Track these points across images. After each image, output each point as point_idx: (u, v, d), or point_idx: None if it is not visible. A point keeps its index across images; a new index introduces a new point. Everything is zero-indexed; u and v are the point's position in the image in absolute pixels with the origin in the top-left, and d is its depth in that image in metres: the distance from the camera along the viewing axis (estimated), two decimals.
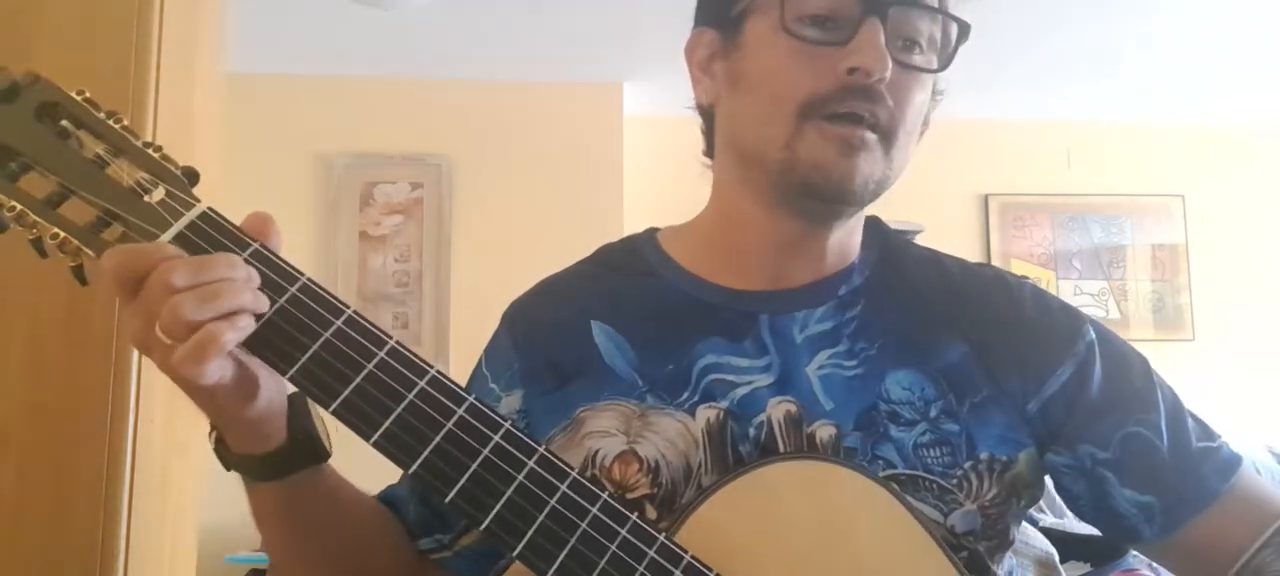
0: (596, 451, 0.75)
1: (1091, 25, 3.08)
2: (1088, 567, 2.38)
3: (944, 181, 3.75)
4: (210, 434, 0.69)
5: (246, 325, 0.58)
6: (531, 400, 0.80)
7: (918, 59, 0.74)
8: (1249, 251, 3.96)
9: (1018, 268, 3.87)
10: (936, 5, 0.74)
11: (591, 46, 3.22)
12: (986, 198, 3.92)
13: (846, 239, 0.81)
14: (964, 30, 0.75)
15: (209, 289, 0.56)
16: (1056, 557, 1.89)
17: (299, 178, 3.41)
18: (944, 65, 0.76)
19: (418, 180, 3.45)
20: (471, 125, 3.48)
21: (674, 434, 0.75)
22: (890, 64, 0.70)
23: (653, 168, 3.57)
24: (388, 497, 0.84)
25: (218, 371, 0.57)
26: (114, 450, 1.08)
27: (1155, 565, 0.77)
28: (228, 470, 0.70)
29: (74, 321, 1.09)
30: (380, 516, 0.82)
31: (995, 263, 3.85)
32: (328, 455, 0.71)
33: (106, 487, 1.08)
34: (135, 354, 1.11)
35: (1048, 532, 2.11)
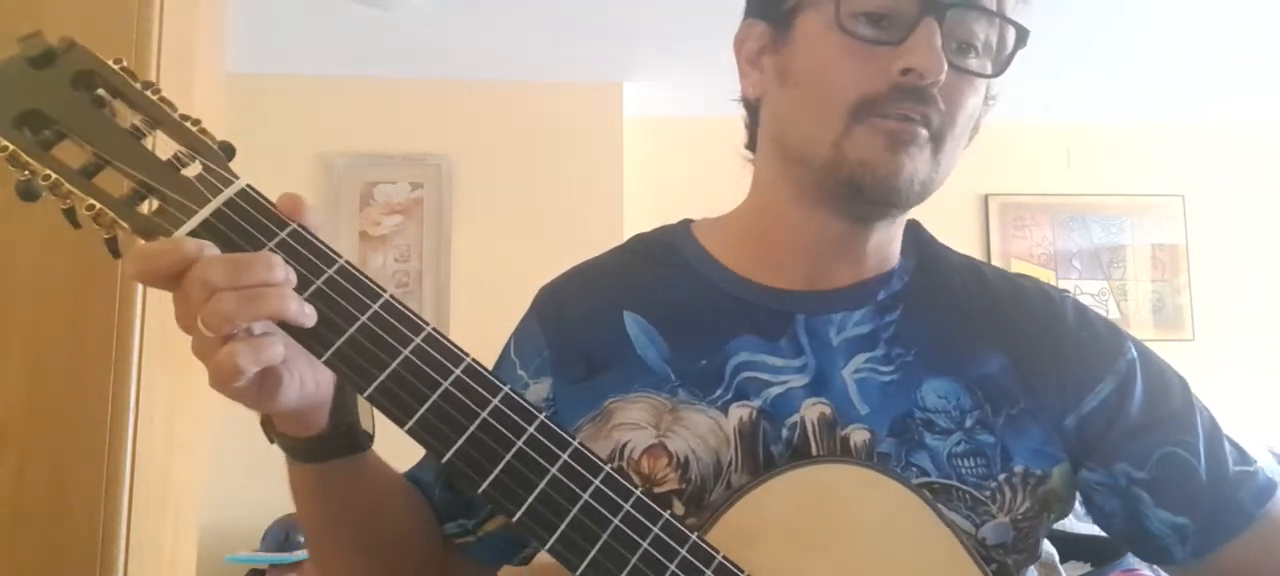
0: (625, 443, 0.74)
1: (1091, 25, 3.08)
2: (1088, 567, 2.37)
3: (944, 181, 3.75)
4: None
5: (276, 352, 0.56)
6: (560, 388, 0.79)
7: (973, 63, 0.72)
8: (1249, 251, 3.96)
9: (1017, 268, 3.86)
10: (994, 9, 0.72)
11: (591, 46, 3.22)
12: (986, 198, 3.92)
13: (887, 243, 0.80)
14: (1022, 35, 0.74)
15: (252, 292, 0.55)
16: (1057, 557, 1.89)
17: (299, 178, 3.41)
18: (999, 71, 0.75)
19: (418, 180, 3.45)
20: (471, 125, 3.48)
21: (705, 430, 0.74)
22: (945, 67, 0.68)
23: (653, 168, 3.57)
24: (414, 478, 0.84)
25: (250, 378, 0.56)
26: (114, 450, 1.08)
27: (1156, 566, 0.76)
28: (270, 443, 0.69)
29: (74, 322, 1.09)
30: (412, 500, 0.81)
31: (995, 262, 3.84)
32: (368, 445, 0.70)
33: (106, 487, 1.08)
34: (135, 354, 1.11)
35: (1048, 532, 2.11)
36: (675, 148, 3.62)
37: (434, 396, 0.59)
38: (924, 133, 0.70)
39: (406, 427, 0.58)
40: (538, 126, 3.49)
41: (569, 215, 3.35)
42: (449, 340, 0.61)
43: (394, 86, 3.45)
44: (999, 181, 3.90)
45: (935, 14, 0.68)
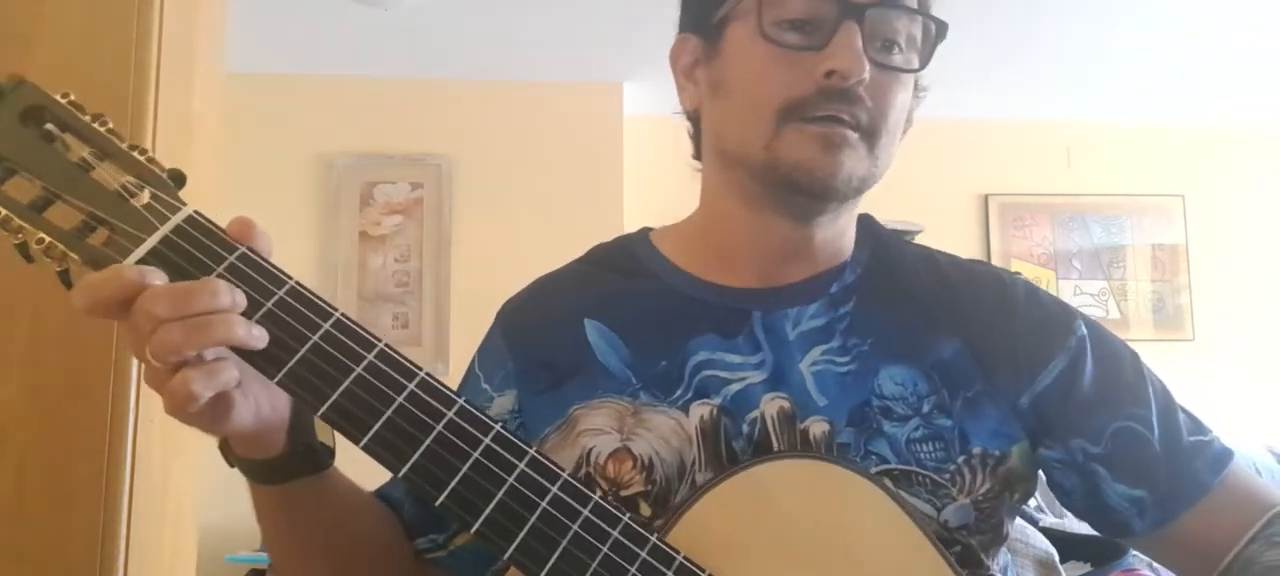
0: (591, 449, 0.75)
1: (1091, 25, 3.08)
2: (1088, 567, 2.37)
3: (944, 181, 3.76)
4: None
5: (230, 376, 0.58)
6: (526, 399, 0.80)
7: (897, 59, 0.74)
8: (1249, 251, 3.96)
9: (1017, 268, 3.86)
10: (915, 6, 0.74)
11: (591, 46, 3.22)
12: (986, 198, 3.92)
13: (836, 237, 0.81)
14: (941, 29, 0.75)
15: (198, 321, 0.56)
16: (1056, 557, 1.89)
17: (299, 178, 3.42)
18: (924, 64, 0.76)
19: (418, 180, 3.45)
20: (471, 125, 3.48)
21: (667, 431, 0.75)
22: (867, 66, 0.70)
23: (653, 168, 3.57)
24: (384, 495, 0.84)
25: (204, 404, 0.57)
26: (114, 450, 1.08)
27: (1155, 565, 0.77)
28: (231, 468, 0.70)
29: (74, 322, 1.09)
30: (380, 517, 0.82)
31: (995, 263, 3.84)
32: (329, 464, 0.71)
33: (106, 487, 1.08)
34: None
35: (1047, 532, 2.11)
36: (675, 148, 3.61)
37: (388, 412, 0.60)
38: (854, 133, 0.72)
39: (361, 444, 0.59)
40: (538, 126, 3.50)
41: (569, 215, 3.35)
42: (402, 356, 0.62)
43: (394, 86, 3.45)
44: (999, 181, 3.90)
45: (854, 17, 0.70)
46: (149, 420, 1.13)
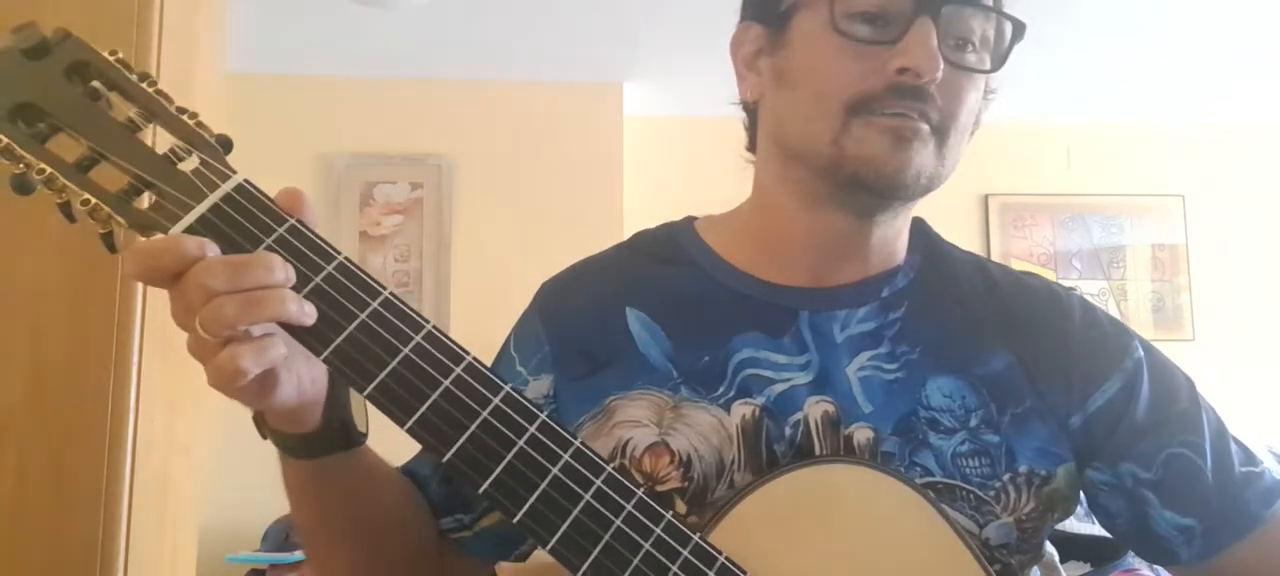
0: (627, 441, 0.74)
1: (1091, 25, 3.08)
2: (1088, 567, 2.37)
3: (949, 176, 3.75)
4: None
5: (278, 352, 0.56)
6: (561, 385, 0.78)
7: (970, 58, 0.72)
8: (1249, 251, 3.96)
9: (1017, 267, 3.86)
10: (990, 4, 0.72)
11: (591, 46, 3.22)
12: (986, 197, 3.91)
13: (892, 238, 0.79)
14: (1018, 29, 0.73)
15: (252, 296, 0.54)
16: (1057, 557, 1.89)
17: (299, 178, 3.40)
18: (997, 65, 0.74)
19: (418, 180, 3.45)
20: (471, 125, 3.48)
21: (708, 428, 0.73)
22: (941, 65, 0.68)
23: (653, 168, 3.57)
24: (410, 471, 0.83)
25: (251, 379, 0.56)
26: (114, 450, 1.08)
27: (1155, 566, 0.76)
28: (263, 439, 0.69)
29: (74, 321, 1.09)
30: (407, 496, 0.81)
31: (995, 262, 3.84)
32: (362, 442, 0.69)
33: (106, 487, 1.08)
34: (135, 354, 1.11)
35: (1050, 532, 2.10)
36: (675, 148, 3.62)
37: (434, 395, 0.58)
38: (925, 127, 0.70)
39: (406, 427, 0.58)
40: (538, 126, 3.49)
41: (569, 215, 3.34)
42: (450, 338, 0.61)
43: (394, 86, 3.45)
44: (999, 181, 3.90)
45: (930, 12, 0.68)
46: (149, 420, 1.13)
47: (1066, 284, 3.93)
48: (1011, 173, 3.91)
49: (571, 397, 0.78)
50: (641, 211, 3.36)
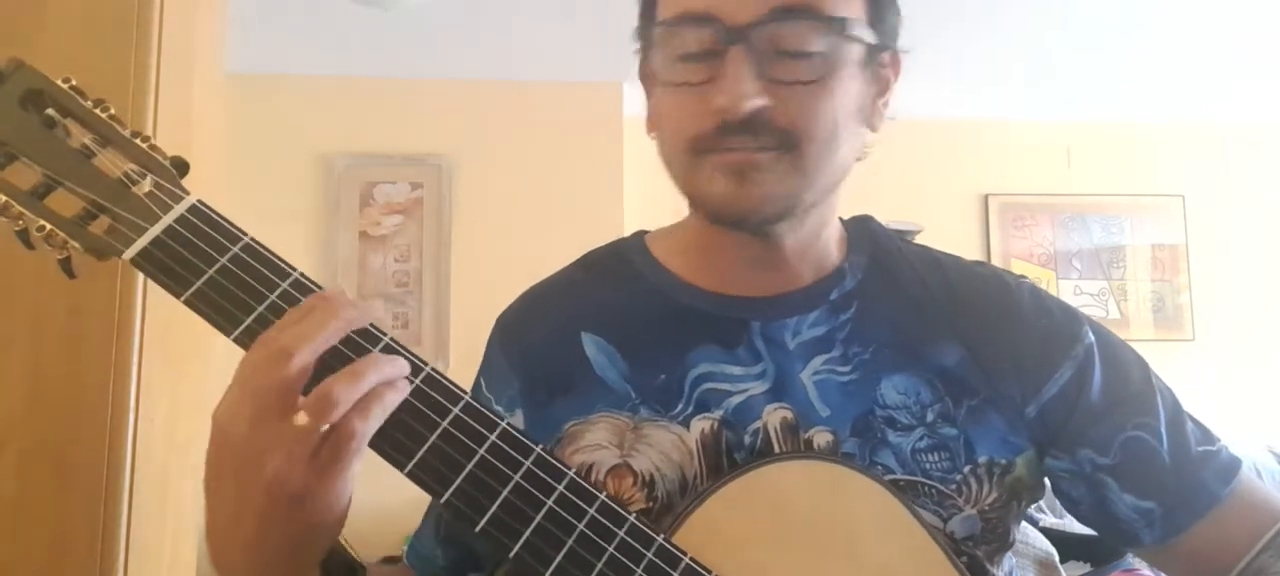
0: (589, 465, 0.74)
1: (1092, 25, 3.08)
2: (1088, 567, 2.38)
3: (944, 181, 3.76)
4: None
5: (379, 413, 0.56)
6: (529, 417, 0.78)
7: (802, 65, 0.68)
8: (1249, 251, 3.96)
9: (1017, 268, 3.87)
10: (810, 11, 0.68)
11: (591, 46, 3.22)
12: (986, 197, 3.92)
13: (811, 243, 0.78)
14: (837, 25, 0.69)
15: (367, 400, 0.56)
16: (1056, 557, 1.90)
17: (299, 178, 3.41)
18: (882, 42, 0.72)
19: (418, 180, 3.45)
20: (471, 125, 3.48)
21: (668, 446, 0.73)
22: (754, 95, 0.66)
23: (653, 168, 3.56)
24: (415, 557, 0.84)
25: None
26: (114, 450, 1.08)
27: (1124, 547, 0.76)
28: None
29: (74, 321, 1.09)
30: None
31: (995, 262, 3.83)
32: (365, 572, 0.68)
33: (106, 487, 1.08)
34: (135, 354, 1.11)
35: (1048, 532, 2.11)
36: None
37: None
38: (764, 156, 0.68)
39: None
40: (538, 126, 3.50)
41: (569, 215, 3.35)
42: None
43: (394, 86, 3.45)
44: (999, 181, 3.90)
45: (738, 41, 0.66)
46: (149, 420, 1.13)
47: (1066, 284, 3.91)
48: (1011, 173, 3.91)
49: (533, 427, 0.78)
50: (642, 211, 3.36)
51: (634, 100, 3.52)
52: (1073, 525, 2.19)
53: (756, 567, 0.64)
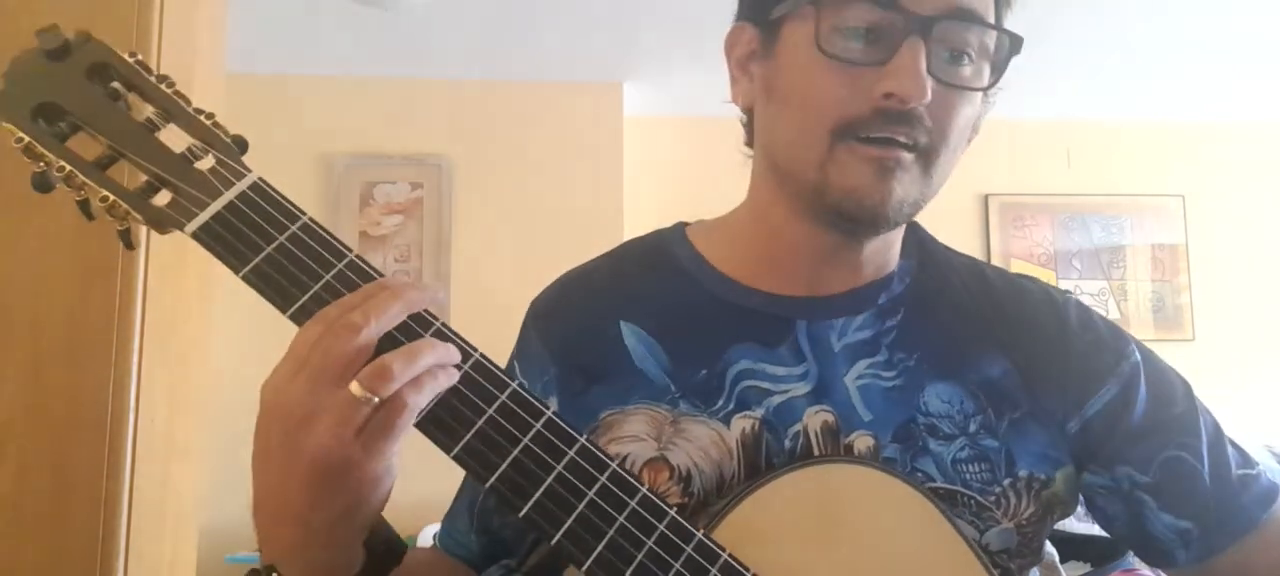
0: (625, 456, 0.72)
1: (1091, 25, 3.08)
2: (1088, 567, 2.38)
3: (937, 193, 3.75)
4: None
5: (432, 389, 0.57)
6: (564, 404, 0.77)
7: (965, 71, 0.69)
8: (1249, 251, 3.96)
9: (1017, 268, 3.86)
10: (990, 20, 0.70)
11: (591, 46, 3.22)
12: (986, 198, 3.92)
13: (885, 248, 0.78)
14: (1015, 43, 0.71)
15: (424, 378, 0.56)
16: (1057, 557, 1.90)
17: (299, 178, 3.41)
18: (994, 80, 0.72)
19: (418, 180, 3.45)
20: (471, 125, 3.48)
21: (707, 443, 0.72)
22: (929, 89, 0.65)
23: (653, 168, 3.57)
24: (448, 541, 0.84)
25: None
26: (114, 450, 1.08)
27: (1157, 568, 0.76)
28: None
29: (74, 322, 1.09)
30: (451, 571, 0.82)
31: (995, 262, 3.84)
32: (405, 549, 0.67)
33: (106, 488, 1.08)
34: (135, 354, 1.11)
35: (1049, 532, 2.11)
36: (675, 148, 3.62)
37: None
38: (910, 155, 0.68)
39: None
40: (538, 126, 3.49)
41: (569, 215, 3.35)
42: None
43: (394, 86, 3.45)
44: (999, 181, 3.90)
45: (920, 31, 0.66)
46: (149, 421, 1.13)
47: (1066, 284, 3.92)
48: (1011, 173, 3.91)
49: (568, 415, 0.77)
50: (641, 211, 3.37)
51: (634, 100, 3.52)
52: (1073, 525, 2.18)
53: (794, 568, 0.64)
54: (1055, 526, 0.79)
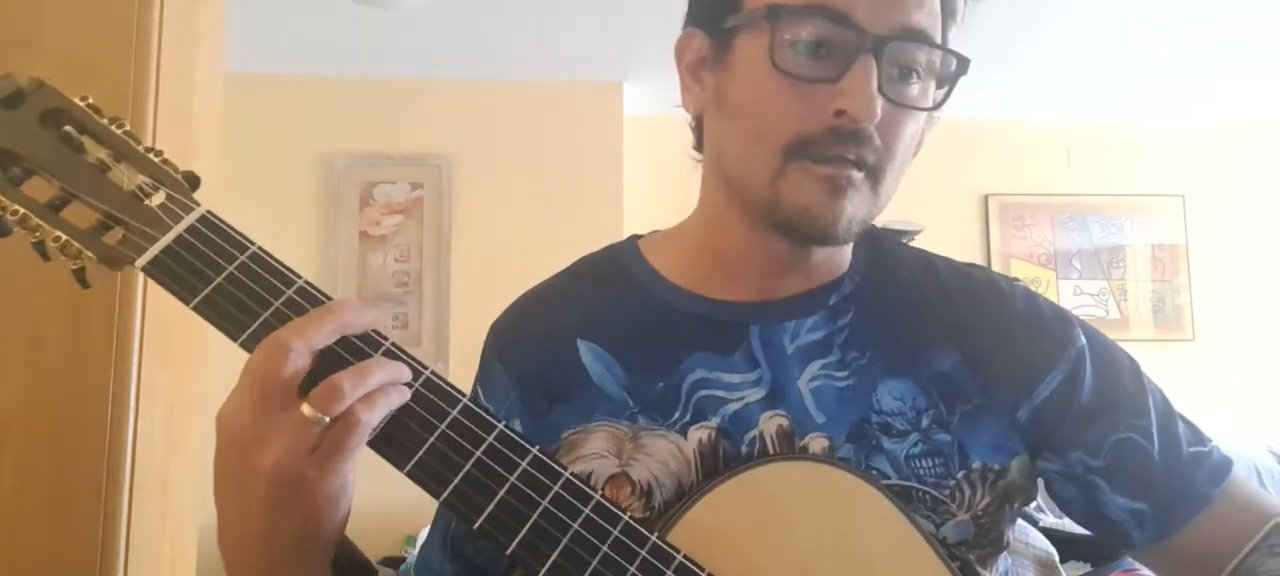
0: (588, 474, 0.73)
1: (1091, 25, 3.08)
2: (1088, 567, 2.38)
3: (944, 181, 3.75)
4: None
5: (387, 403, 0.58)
6: (527, 426, 0.78)
7: (913, 90, 0.70)
8: (1249, 251, 3.96)
9: (1017, 267, 3.87)
10: (936, 42, 0.70)
11: (591, 46, 3.22)
12: (986, 198, 3.92)
13: (836, 252, 0.79)
14: (962, 65, 0.71)
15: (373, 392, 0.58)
16: (1056, 557, 1.89)
17: (299, 178, 3.42)
18: (940, 102, 0.73)
19: (418, 180, 3.45)
20: (471, 125, 3.48)
21: (666, 455, 0.73)
22: (879, 108, 0.66)
23: (653, 168, 3.57)
24: (423, 571, 0.85)
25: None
26: (114, 450, 1.08)
27: (1115, 547, 0.77)
28: None
29: (74, 321, 1.09)
30: None
31: (995, 262, 3.85)
32: (376, 572, 0.69)
33: (106, 487, 1.08)
34: (135, 354, 1.11)
35: (1048, 532, 2.11)
36: (675, 148, 3.61)
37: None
38: (860, 174, 0.69)
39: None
40: (538, 126, 3.50)
41: (569, 215, 3.35)
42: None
43: (394, 86, 3.45)
44: (999, 181, 3.90)
45: (872, 50, 0.66)
46: (149, 420, 1.13)
47: (1066, 284, 3.91)
48: (1011, 173, 3.91)
49: (535, 436, 0.76)
50: (642, 211, 3.36)
51: (634, 100, 3.52)
52: (1072, 525, 2.18)
53: (750, 567, 0.65)
54: (1055, 526, 0.79)
